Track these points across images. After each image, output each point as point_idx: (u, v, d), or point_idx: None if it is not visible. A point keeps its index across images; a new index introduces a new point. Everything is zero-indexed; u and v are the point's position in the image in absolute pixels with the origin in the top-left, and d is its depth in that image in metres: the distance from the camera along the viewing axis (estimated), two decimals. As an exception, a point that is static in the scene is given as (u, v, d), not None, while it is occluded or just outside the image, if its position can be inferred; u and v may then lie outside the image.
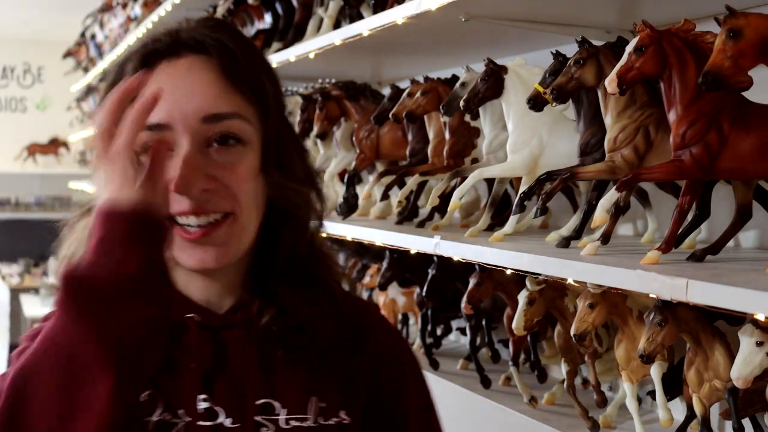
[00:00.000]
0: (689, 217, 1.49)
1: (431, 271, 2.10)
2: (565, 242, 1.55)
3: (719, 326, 1.42)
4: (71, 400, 0.81)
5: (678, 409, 1.59)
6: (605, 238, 1.48)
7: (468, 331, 2.15)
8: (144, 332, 0.84)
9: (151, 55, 1.00)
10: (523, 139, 1.71)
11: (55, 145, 8.94)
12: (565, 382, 1.77)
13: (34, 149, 8.94)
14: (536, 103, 1.59)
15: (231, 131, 0.98)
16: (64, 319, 0.83)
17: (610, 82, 1.34)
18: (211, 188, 0.96)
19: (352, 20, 2.30)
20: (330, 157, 2.49)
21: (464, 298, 1.89)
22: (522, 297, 1.76)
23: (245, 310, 1.05)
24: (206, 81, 0.98)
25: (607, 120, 1.50)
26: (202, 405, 1.01)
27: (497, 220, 1.88)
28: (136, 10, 4.70)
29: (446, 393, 2.09)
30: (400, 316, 2.59)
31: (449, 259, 1.85)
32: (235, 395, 1.02)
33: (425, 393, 1.16)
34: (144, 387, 0.97)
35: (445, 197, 1.90)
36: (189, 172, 0.94)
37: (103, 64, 5.74)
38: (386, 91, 2.37)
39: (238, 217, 0.99)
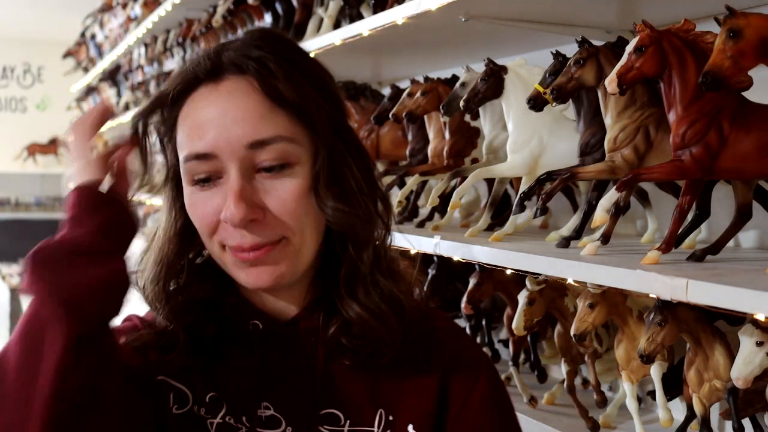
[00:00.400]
0: (689, 217, 1.49)
1: (431, 271, 2.11)
2: (565, 242, 1.55)
3: (719, 326, 1.42)
4: (34, 358, 0.85)
5: (678, 409, 1.60)
6: (605, 238, 1.48)
7: (468, 331, 2.15)
8: (97, 291, 0.88)
9: (192, 80, 0.99)
10: (523, 139, 1.71)
11: (55, 145, 8.94)
12: (565, 382, 1.77)
13: (34, 149, 8.94)
14: (536, 103, 1.59)
15: (278, 156, 0.96)
16: (31, 291, 0.88)
17: (610, 82, 1.34)
18: (260, 218, 0.96)
19: (352, 20, 2.30)
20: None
21: (464, 298, 1.89)
22: (522, 297, 1.76)
23: (309, 320, 1.04)
24: (248, 105, 0.96)
25: (607, 120, 1.50)
26: (266, 412, 1.01)
27: (497, 220, 1.88)
28: (136, 10, 4.70)
29: (446, 393, 2.09)
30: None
31: (449, 259, 1.85)
32: (298, 404, 1.02)
33: (499, 402, 1.12)
34: (208, 388, 1.04)
35: (445, 197, 1.90)
36: (239, 204, 0.94)
37: (103, 64, 5.74)
38: (386, 91, 2.37)
39: (291, 240, 0.98)
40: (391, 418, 1.03)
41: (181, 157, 0.99)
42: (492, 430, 1.09)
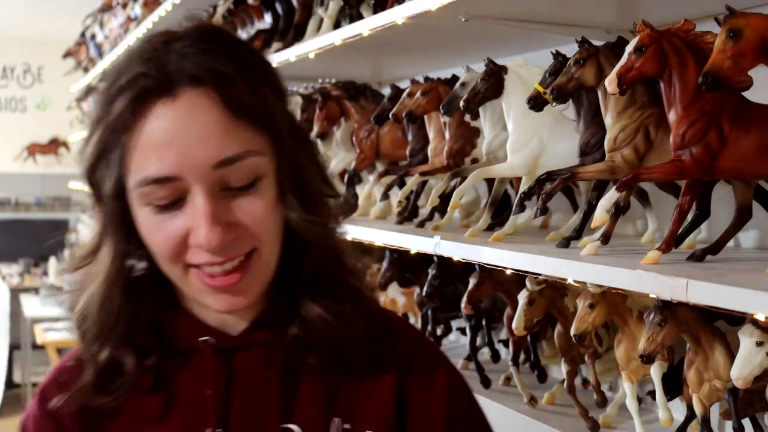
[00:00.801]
0: (689, 217, 1.49)
1: (431, 271, 2.11)
2: (565, 242, 1.55)
3: (719, 326, 1.42)
4: None
5: (678, 409, 1.59)
6: (605, 238, 1.48)
7: (468, 331, 2.15)
8: None
9: (143, 95, 0.90)
10: (523, 139, 1.71)
11: (55, 145, 8.93)
12: (565, 382, 1.77)
13: (34, 149, 8.93)
14: (536, 103, 1.59)
15: (247, 173, 0.91)
16: None
17: (610, 82, 1.34)
18: (233, 237, 0.91)
19: (352, 20, 2.30)
20: (330, 157, 2.49)
21: (464, 298, 1.89)
22: (522, 297, 1.76)
23: (263, 329, 1.01)
24: (211, 121, 0.89)
25: (607, 120, 1.50)
26: None
27: (497, 220, 1.88)
28: (136, 10, 4.70)
29: (446, 393, 2.09)
30: (400, 316, 2.60)
31: (449, 259, 1.85)
32: (252, 423, 0.99)
33: (462, 398, 1.08)
34: (159, 418, 0.98)
35: (445, 197, 1.90)
36: (213, 228, 0.89)
37: (103, 64, 5.74)
38: (386, 91, 2.37)
39: (262, 252, 0.94)
40: (348, 426, 1.00)
41: (133, 180, 0.91)
42: (458, 427, 1.06)
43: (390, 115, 2.02)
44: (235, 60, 0.92)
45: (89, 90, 6.63)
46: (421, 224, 2.01)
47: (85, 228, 1.19)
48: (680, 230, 1.42)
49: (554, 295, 1.78)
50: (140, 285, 1.00)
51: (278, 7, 2.89)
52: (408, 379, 1.05)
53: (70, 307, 1.00)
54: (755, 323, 1.26)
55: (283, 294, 1.01)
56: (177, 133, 0.89)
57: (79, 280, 1.00)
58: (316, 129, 2.39)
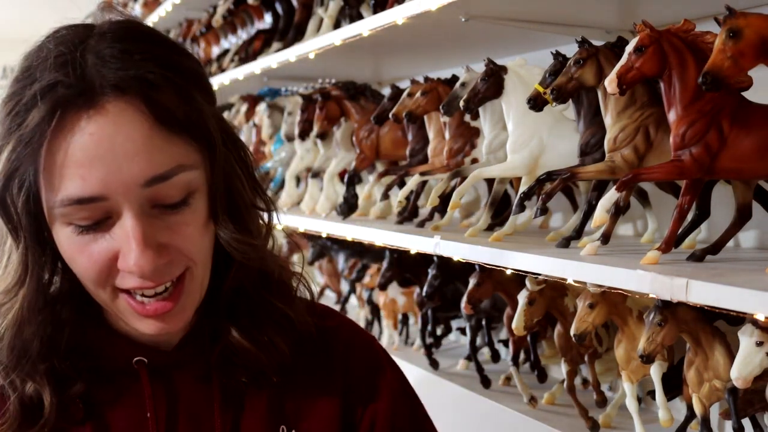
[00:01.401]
0: (689, 217, 1.49)
1: (431, 271, 2.11)
2: (565, 242, 1.55)
3: (719, 326, 1.42)
4: None
5: (678, 409, 1.60)
6: (605, 238, 1.48)
7: (468, 331, 2.15)
8: None
9: (61, 106, 0.80)
10: (523, 139, 1.71)
11: (55, 145, 8.94)
12: (565, 382, 1.77)
13: (34, 149, 8.94)
14: (536, 103, 1.59)
15: (179, 189, 0.84)
16: None
17: (610, 83, 1.34)
18: (166, 260, 0.85)
19: (352, 20, 2.30)
20: (330, 157, 2.49)
21: (464, 298, 1.89)
22: (522, 297, 1.76)
23: (194, 344, 0.96)
24: (139, 136, 0.81)
25: (607, 120, 1.50)
26: None
27: (497, 220, 1.88)
28: (136, 10, 4.69)
29: (446, 393, 2.09)
30: (400, 316, 2.60)
31: (449, 259, 1.85)
32: None
33: (405, 402, 1.07)
34: None
35: (445, 197, 1.90)
36: (144, 252, 0.82)
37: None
38: (386, 91, 2.37)
39: (194, 272, 0.89)
40: None
41: (52, 199, 0.82)
42: (408, 419, 1.06)
43: (390, 115, 2.02)
44: (162, 63, 0.84)
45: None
46: (421, 224, 2.01)
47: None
48: (680, 230, 1.42)
49: (554, 295, 1.78)
50: (58, 302, 0.91)
51: (278, 7, 2.89)
52: (353, 379, 1.03)
53: None
54: (755, 323, 1.26)
55: (209, 311, 0.96)
56: (101, 149, 0.80)
57: None
58: (316, 129, 2.39)
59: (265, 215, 0.99)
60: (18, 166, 0.82)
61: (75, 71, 0.81)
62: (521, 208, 1.64)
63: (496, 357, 2.19)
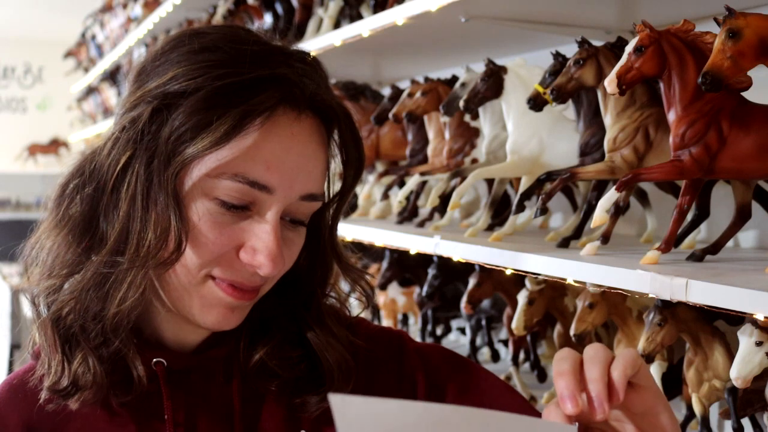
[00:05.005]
0: (689, 217, 1.49)
1: (431, 271, 2.11)
2: (565, 242, 1.55)
3: (719, 326, 1.42)
4: None
5: (678, 409, 1.60)
6: (605, 238, 1.48)
7: (468, 331, 2.15)
8: None
9: (286, 98, 0.89)
10: (523, 139, 1.71)
11: (55, 146, 8.94)
12: (565, 382, 1.76)
13: (34, 149, 8.94)
14: (536, 103, 1.59)
15: (310, 212, 0.94)
16: None
17: (610, 83, 1.34)
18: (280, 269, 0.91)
19: (352, 20, 2.30)
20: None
21: (464, 298, 1.89)
22: (522, 297, 1.76)
23: (222, 345, 0.97)
24: (318, 156, 0.92)
25: (607, 120, 1.50)
26: None
27: (497, 220, 1.88)
28: (137, 10, 4.70)
29: (446, 393, 2.09)
30: (400, 316, 2.60)
31: (449, 259, 1.85)
32: None
33: (440, 350, 1.09)
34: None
35: (445, 197, 1.91)
36: (279, 258, 0.88)
37: (103, 65, 5.74)
38: (386, 91, 2.37)
39: (270, 282, 0.95)
40: None
41: (219, 170, 0.86)
42: (444, 358, 1.08)
43: (390, 116, 2.02)
44: (345, 107, 0.96)
45: (90, 90, 6.63)
46: (421, 224, 2.01)
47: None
48: (680, 230, 1.42)
49: (554, 295, 1.78)
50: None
51: (278, 7, 2.89)
52: (376, 382, 1.03)
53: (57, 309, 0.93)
54: (754, 323, 1.26)
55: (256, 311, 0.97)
56: (293, 151, 0.89)
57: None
58: (316, 129, 2.39)
59: None
60: (232, 132, 0.86)
61: (305, 79, 0.90)
62: (521, 208, 1.64)
63: (496, 357, 2.19)
